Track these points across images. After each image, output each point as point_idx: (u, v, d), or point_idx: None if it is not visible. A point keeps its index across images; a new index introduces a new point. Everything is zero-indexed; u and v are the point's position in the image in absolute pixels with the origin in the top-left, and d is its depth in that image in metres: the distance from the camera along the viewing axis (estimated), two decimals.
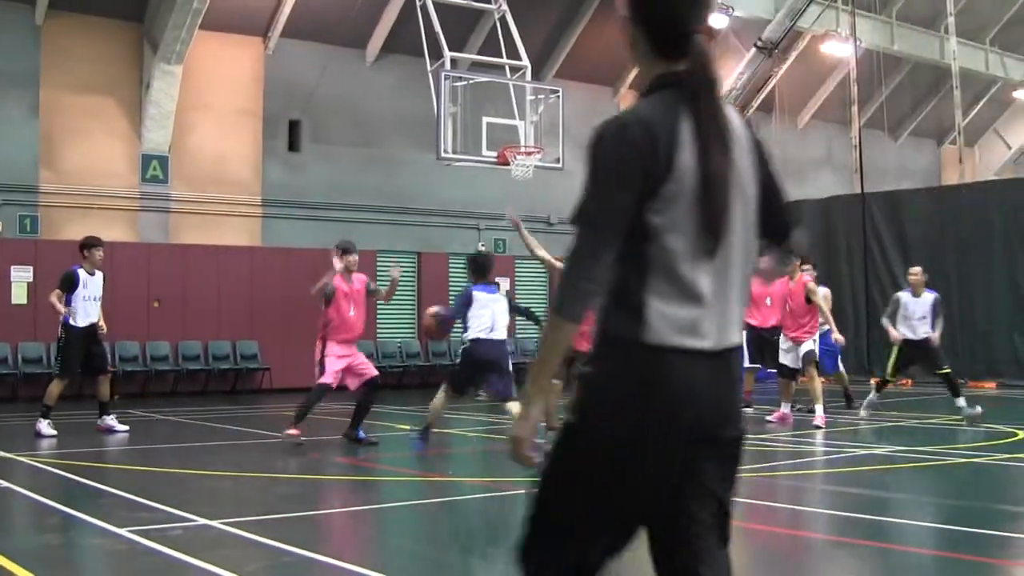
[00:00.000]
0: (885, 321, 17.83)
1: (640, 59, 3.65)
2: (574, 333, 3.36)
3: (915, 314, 17.36)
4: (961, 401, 16.74)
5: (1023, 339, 25.05)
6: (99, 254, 16.42)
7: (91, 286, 16.17)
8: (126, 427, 16.54)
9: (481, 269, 14.51)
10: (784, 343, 17.54)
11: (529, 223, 30.35)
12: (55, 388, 15.94)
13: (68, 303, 15.89)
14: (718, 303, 3.38)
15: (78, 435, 15.70)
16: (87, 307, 16.12)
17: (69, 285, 15.94)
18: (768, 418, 17.46)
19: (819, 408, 16.76)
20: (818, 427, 16.21)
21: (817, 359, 17.68)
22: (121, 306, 23.22)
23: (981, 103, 41.96)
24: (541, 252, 14.96)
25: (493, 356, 13.82)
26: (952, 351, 26.19)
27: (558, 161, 23.82)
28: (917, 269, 18.30)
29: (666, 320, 3.31)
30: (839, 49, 33.94)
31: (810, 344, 17.49)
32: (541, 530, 3.54)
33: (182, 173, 25.64)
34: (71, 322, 15.91)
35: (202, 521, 8.68)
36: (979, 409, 16.65)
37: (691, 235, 3.34)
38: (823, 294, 18.59)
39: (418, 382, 27.38)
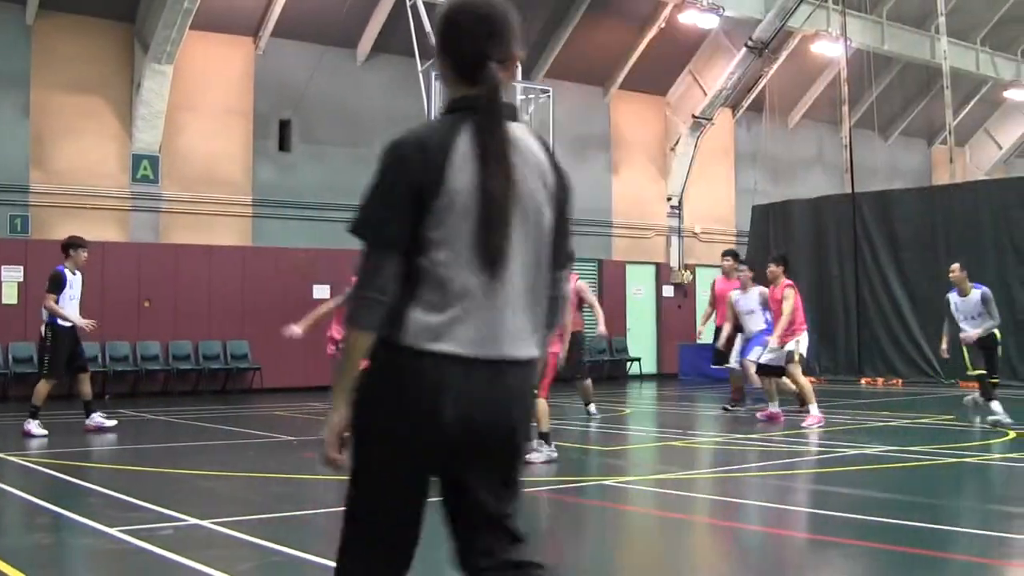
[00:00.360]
0: (945, 327, 17.43)
1: (446, 84, 3.91)
2: (367, 341, 3.54)
3: (967, 313, 17.07)
4: (995, 405, 16.41)
5: (1013, 339, 25.05)
6: (84, 254, 16.37)
7: (75, 286, 16.10)
8: (114, 421, 16.53)
9: None
10: (771, 343, 17.73)
11: None
12: (43, 388, 15.81)
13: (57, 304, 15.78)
14: (489, 315, 3.58)
15: (68, 435, 15.68)
16: (71, 307, 16.03)
17: (59, 286, 15.81)
18: (758, 415, 17.88)
19: (813, 408, 16.99)
20: (811, 425, 16.43)
21: (795, 359, 17.81)
22: (112, 306, 23.23)
23: (971, 103, 42.03)
24: None
25: None
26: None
27: None
28: (955, 266, 17.60)
29: (422, 326, 3.52)
30: (829, 49, 34.00)
31: (792, 344, 17.73)
32: (353, 528, 3.78)
33: (173, 173, 25.63)
34: (59, 323, 15.78)
35: (192, 521, 8.67)
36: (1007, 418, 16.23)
37: (463, 250, 3.54)
38: (759, 292, 18.58)
39: None
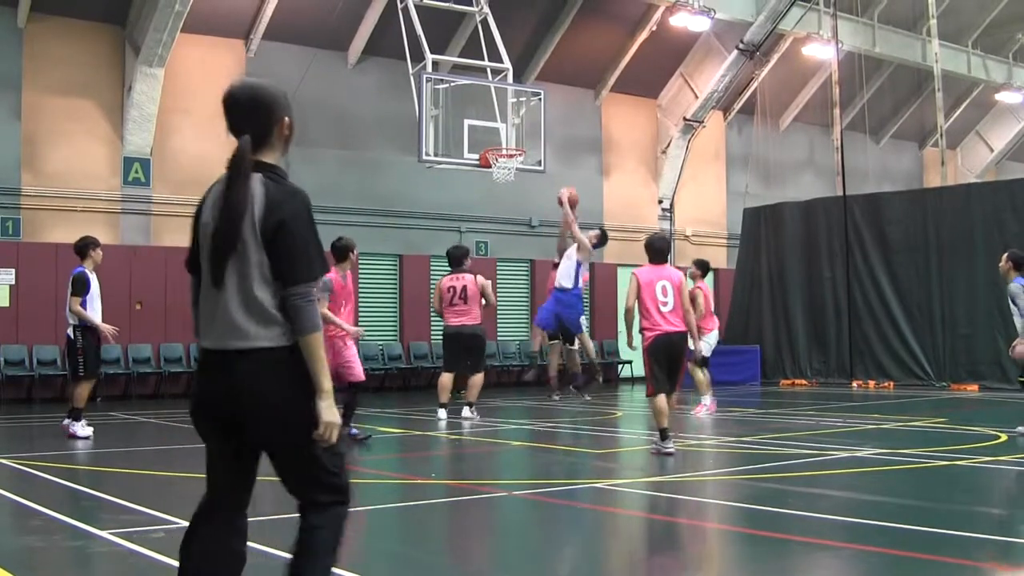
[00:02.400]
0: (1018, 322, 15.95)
1: (281, 151, 5.27)
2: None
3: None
4: None
5: (1004, 341, 25.03)
6: (101, 253, 16.43)
7: (95, 286, 16.06)
8: (89, 431, 15.91)
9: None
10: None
11: (510, 225, 30.58)
12: (83, 390, 15.83)
13: (83, 306, 15.76)
14: (212, 317, 4.85)
15: (59, 438, 15.65)
16: (95, 307, 16.00)
17: (84, 288, 15.79)
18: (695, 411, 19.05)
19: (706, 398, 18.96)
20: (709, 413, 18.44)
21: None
22: (103, 309, 23.21)
23: (963, 106, 42.13)
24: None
25: None
26: (934, 354, 26.36)
27: (540, 163, 23.88)
28: (1004, 256, 16.63)
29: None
30: (821, 51, 34.02)
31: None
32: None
33: (164, 176, 25.61)
34: (88, 325, 15.74)
35: (184, 523, 8.62)
36: None
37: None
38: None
39: (399, 384, 27.46)
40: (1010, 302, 15.75)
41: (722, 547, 8.57)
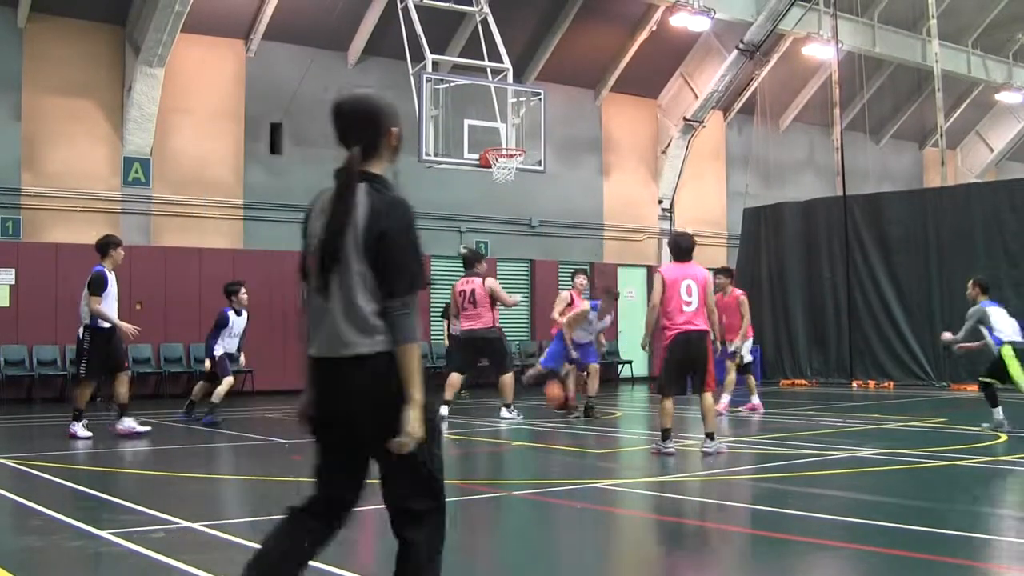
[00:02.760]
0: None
1: (387, 159, 5.16)
2: None
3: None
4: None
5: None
6: (122, 253, 16.28)
7: (113, 285, 15.81)
8: (147, 427, 16.26)
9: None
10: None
11: (511, 226, 30.58)
12: (83, 391, 15.76)
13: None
14: (317, 325, 4.91)
15: (59, 438, 15.64)
16: (112, 307, 15.78)
17: (102, 287, 15.52)
18: (740, 409, 19.71)
19: (726, 398, 19.55)
20: (720, 414, 18.39)
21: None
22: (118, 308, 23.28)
23: (963, 106, 42.15)
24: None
25: None
26: (934, 354, 26.34)
27: (540, 163, 23.86)
28: (971, 282, 17.41)
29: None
30: (821, 51, 34.02)
31: (732, 345, 19.82)
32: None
33: (164, 176, 25.61)
34: (98, 324, 15.57)
35: (184, 523, 8.66)
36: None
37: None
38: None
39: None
40: (969, 321, 16.61)
41: (722, 547, 8.57)
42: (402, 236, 4.81)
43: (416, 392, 4.68)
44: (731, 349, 19.84)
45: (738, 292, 20.49)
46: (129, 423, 15.88)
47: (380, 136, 5.01)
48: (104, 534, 8.18)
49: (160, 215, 25.43)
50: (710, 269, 14.65)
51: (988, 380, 16.41)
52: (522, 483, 11.76)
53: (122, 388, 15.98)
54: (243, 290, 18.06)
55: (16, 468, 12.40)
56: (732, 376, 20.13)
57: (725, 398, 19.57)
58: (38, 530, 8.72)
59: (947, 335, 17.30)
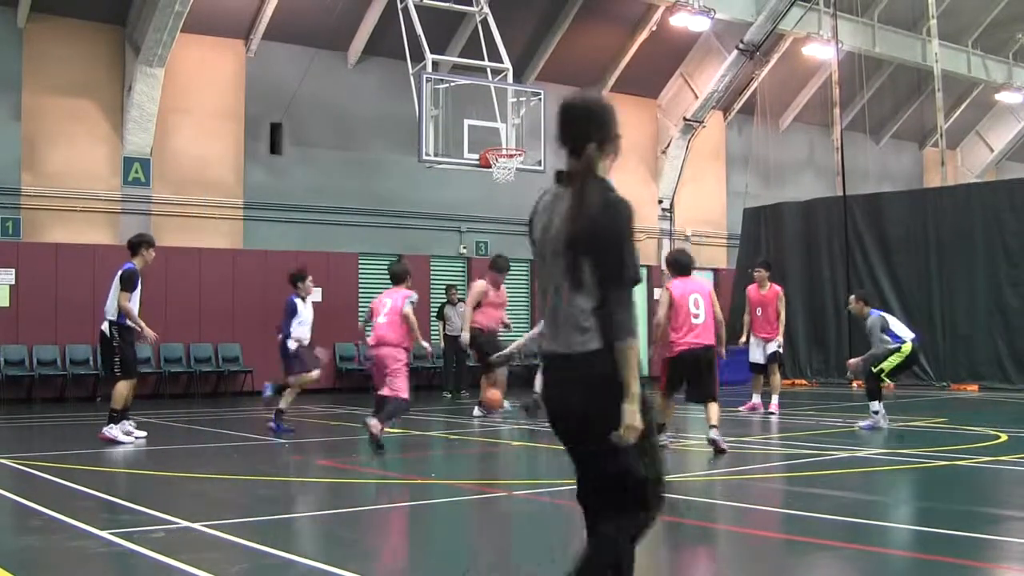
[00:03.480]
0: None
1: (605, 161, 5.14)
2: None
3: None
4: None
5: (1004, 342, 25.08)
6: (153, 253, 16.04)
7: (140, 285, 15.58)
8: (143, 434, 15.58)
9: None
10: (754, 342, 20.48)
11: (511, 226, 30.53)
12: (123, 389, 15.27)
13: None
14: (550, 322, 5.05)
15: (59, 438, 15.64)
16: (136, 308, 15.46)
17: (134, 285, 15.30)
18: (740, 408, 19.84)
19: (775, 398, 19.83)
20: (772, 413, 19.24)
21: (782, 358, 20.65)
22: (102, 309, 23.22)
23: (963, 106, 42.12)
24: None
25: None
26: (934, 354, 26.34)
27: (540, 163, 23.84)
28: (852, 297, 18.14)
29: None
30: (821, 51, 34.01)
31: (775, 344, 20.28)
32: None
33: (164, 176, 25.61)
34: (125, 321, 15.24)
35: (184, 523, 8.66)
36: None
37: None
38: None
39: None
40: (868, 334, 16.92)
41: (722, 547, 8.57)
42: (626, 235, 4.91)
43: (635, 386, 4.76)
44: (772, 349, 20.31)
45: (777, 287, 20.69)
46: (118, 430, 15.23)
47: (608, 139, 5.07)
48: (104, 534, 8.19)
49: (160, 215, 25.42)
50: (713, 269, 14.63)
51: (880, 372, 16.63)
52: (522, 483, 11.76)
53: (123, 392, 15.44)
54: (310, 278, 17.68)
55: (16, 468, 12.41)
56: (777, 378, 20.45)
57: (774, 399, 19.89)
58: (38, 530, 8.72)
59: (853, 362, 17.52)
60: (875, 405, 16.28)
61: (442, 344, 25.66)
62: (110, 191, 25.00)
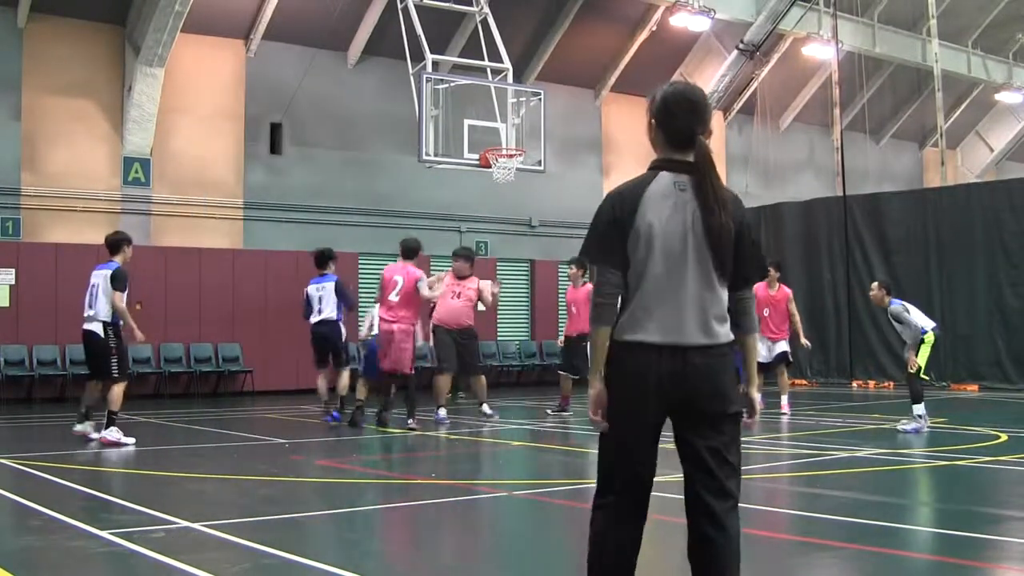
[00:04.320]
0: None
1: (654, 147, 5.29)
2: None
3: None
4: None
5: (1005, 342, 25.07)
6: (131, 251, 15.76)
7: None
8: (132, 439, 14.97)
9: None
10: (762, 342, 19.73)
11: (511, 225, 30.59)
12: (118, 391, 14.93)
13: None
14: (669, 312, 4.97)
15: (59, 438, 15.64)
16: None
17: (126, 283, 15.10)
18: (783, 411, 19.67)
19: (784, 398, 19.80)
20: (783, 413, 19.15)
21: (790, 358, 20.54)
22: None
23: (963, 106, 42.15)
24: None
25: None
26: (934, 354, 26.30)
27: (540, 163, 23.85)
28: (875, 284, 17.89)
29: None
30: (821, 51, 34.03)
31: (784, 344, 20.24)
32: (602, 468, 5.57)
33: (164, 176, 25.62)
34: (119, 321, 15.00)
35: (184, 523, 8.66)
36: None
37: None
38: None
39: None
40: (893, 322, 16.82)
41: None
42: (753, 229, 5.03)
43: (756, 375, 5.21)
44: (779, 350, 20.25)
45: (787, 289, 20.62)
46: (118, 432, 14.87)
47: (707, 129, 5.11)
48: (104, 534, 8.18)
49: (160, 215, 25.43)
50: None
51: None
52: (522, 483, 11.76)
53: (117, 394, 15.12)
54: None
55: (16, 468, 12.40)
56: (784, 378, 20.35)
57: (783, 399, 19.87)
58: (38, 530, 8.71)
59: (912, 359, 16.51)
60: (919, 408, 15.88)
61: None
62: (110, 191, 25.00)
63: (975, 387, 25.08)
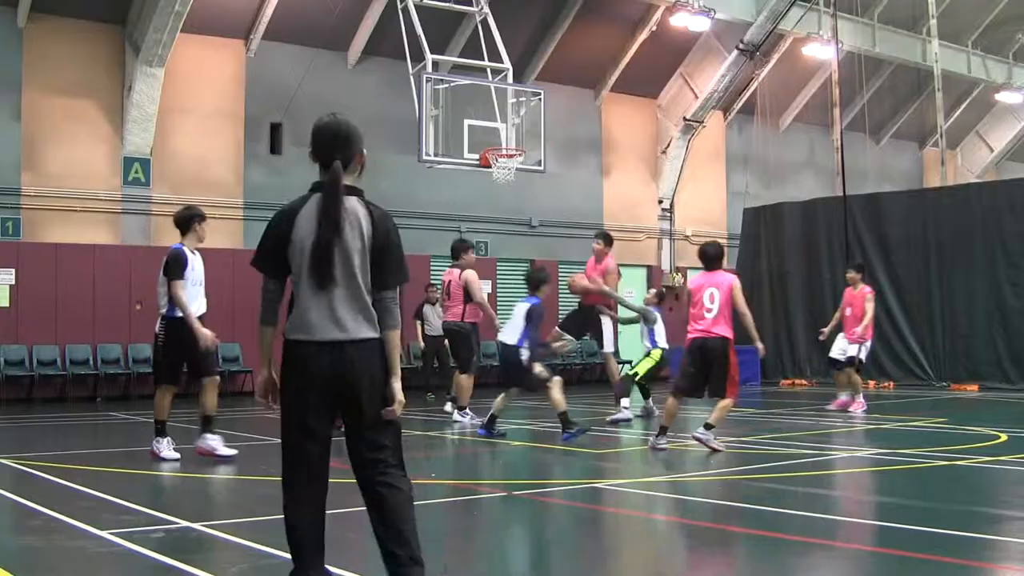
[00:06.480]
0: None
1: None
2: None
3: None
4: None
5: (1004, 342, 25.08)
6: (206, 228, 14.20)
7: (196, 268, 13.65)
8: (233, 451, 13.53)
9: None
10: (840, 341, 20.62)
11: (510, 225, 30.59)
12: (160, 399, 13.27)
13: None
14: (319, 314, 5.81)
15: (59, 437, 15.63)
16: (193, 292, 13.43)
17: (182, 267, 13.22)
18: (828, 407, 20.17)
19: (857, 396, 19.83)
20: (850, 413, 19.23)
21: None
22: (103, 309, 23.30)
23: (963, 106, 42.13)
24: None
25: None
26: (934, 354, 26.34)
27: (540, 163, 23.86)
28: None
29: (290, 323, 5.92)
30: (821, 51, 34.01)
31: (855, 349, 20.32)
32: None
33: (164, 176, 25.62)
34: (177, 315, 13.08)
35: (184, 523, 8.66)
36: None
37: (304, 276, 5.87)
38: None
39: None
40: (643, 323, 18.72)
41: (722, 547, 8.56)
42: (398, 241, 5.99)
43: (399, 367, 5.84)
44: (851, 353, 20.28)
45: (867, 290, 20.69)
46: (213, 441, 13.45)
47: (354, 155, 6.46)
48: (104, 534, 8.18)
49: (160, 215, 25.39)
50: None
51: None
52: (522, 483, 11.75)
53: (209, 397, 13.61)
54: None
55: (16, 468, 12.40)
56: (847, 378, 20.33)
57: (857, 396, 19.94)
58: (38, 530, 8.71)
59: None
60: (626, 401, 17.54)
61: (421, 344, 25.47)
62: (110, 191, 25.01)
63: (975, 387, 25.09)
